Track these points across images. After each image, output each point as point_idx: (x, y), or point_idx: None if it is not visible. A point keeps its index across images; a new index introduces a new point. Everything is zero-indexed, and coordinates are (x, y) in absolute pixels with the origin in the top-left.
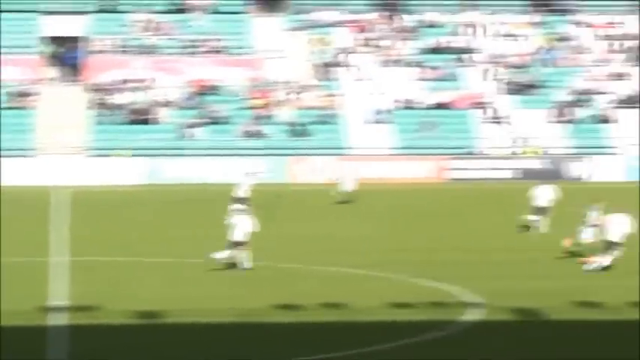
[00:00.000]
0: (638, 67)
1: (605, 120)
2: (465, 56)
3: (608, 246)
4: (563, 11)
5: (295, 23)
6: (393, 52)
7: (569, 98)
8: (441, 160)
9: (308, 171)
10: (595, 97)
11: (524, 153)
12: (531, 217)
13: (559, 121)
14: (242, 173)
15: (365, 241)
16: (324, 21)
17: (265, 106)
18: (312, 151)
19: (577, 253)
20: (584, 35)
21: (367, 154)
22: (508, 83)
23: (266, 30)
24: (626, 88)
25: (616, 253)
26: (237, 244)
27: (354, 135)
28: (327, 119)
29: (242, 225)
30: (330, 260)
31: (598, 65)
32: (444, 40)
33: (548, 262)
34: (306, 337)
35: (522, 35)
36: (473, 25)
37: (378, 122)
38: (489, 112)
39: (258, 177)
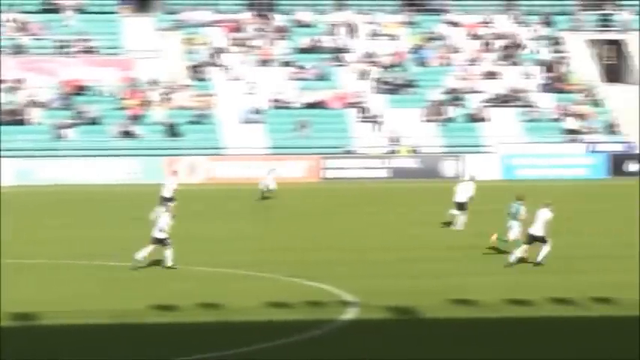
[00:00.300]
0: (509, 66)
1: (477, 119)
2: (338, 56)
3: (531, 239)
4: (435, 11)
5: (167, 23)
6: (265, 51)
7: (442, 97)
8: (316, 160)
9: (183, 171)
10: (467, 95)
11: (398, 152)
12: (453, 212)
13: (432, 120)
14: (168, 172)
15: (241, 240)
16: (196, 21)
17: (139, 106)
18: (187, 151)
19: (501, 250)
20: (456, 34)
21: (242, 154)
22: (381, 82)
23: (138, 30)
24: (498, 87)
25: (546, 246)
26: (158, 242)
27: (229, 135)
28: (200, 119)
29: (163, 223)
30: (206, 260)
31: (470, 64)
32: (316, 40)
33: (425, 261)
34: (183, 337)
35: (395, 35)
36: (345, 25)
37: (252, 122)
38: (363, 112)
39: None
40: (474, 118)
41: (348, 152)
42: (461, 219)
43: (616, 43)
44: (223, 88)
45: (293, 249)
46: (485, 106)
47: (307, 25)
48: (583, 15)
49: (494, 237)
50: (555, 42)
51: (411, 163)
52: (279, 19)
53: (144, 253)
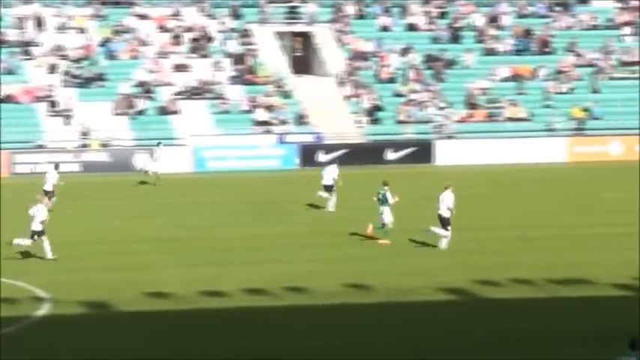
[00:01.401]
0: (199, 59)
1: (168, 111)
2: (26, 49)
3: (440, 221)
4: (123, 3)
5: None
6: None
7: (132, 90)
8: (6, 155)
9: None
10: (158, 88)
11: (89, 146)
12: (322, 194)
13: (123, 114)
14: (50, 166)
15: None
16: None
17: None
18: None
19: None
20: (145, 27)
21: None
22: (71, 76)
23: None
24: (188, 80)
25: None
26: (36, 234)
27: None
28: None
29: (41, 215)
30: None
31: (160, 57)
32: (3, 33)
33: (119, 254)
34: None
35: (83, 28)
36: (33, 18)
37: None
38: (53, 106)
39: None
40: (165, 111)
41: (39, 147)
42: (331, 201)
43: (304, 35)
44: None
45: None
46: (176, 99)
47: None
48: (270, 7)
49: (370, 228)
50: (244, 34)
51: (102, 157)
52: None
53: (21, 242)
